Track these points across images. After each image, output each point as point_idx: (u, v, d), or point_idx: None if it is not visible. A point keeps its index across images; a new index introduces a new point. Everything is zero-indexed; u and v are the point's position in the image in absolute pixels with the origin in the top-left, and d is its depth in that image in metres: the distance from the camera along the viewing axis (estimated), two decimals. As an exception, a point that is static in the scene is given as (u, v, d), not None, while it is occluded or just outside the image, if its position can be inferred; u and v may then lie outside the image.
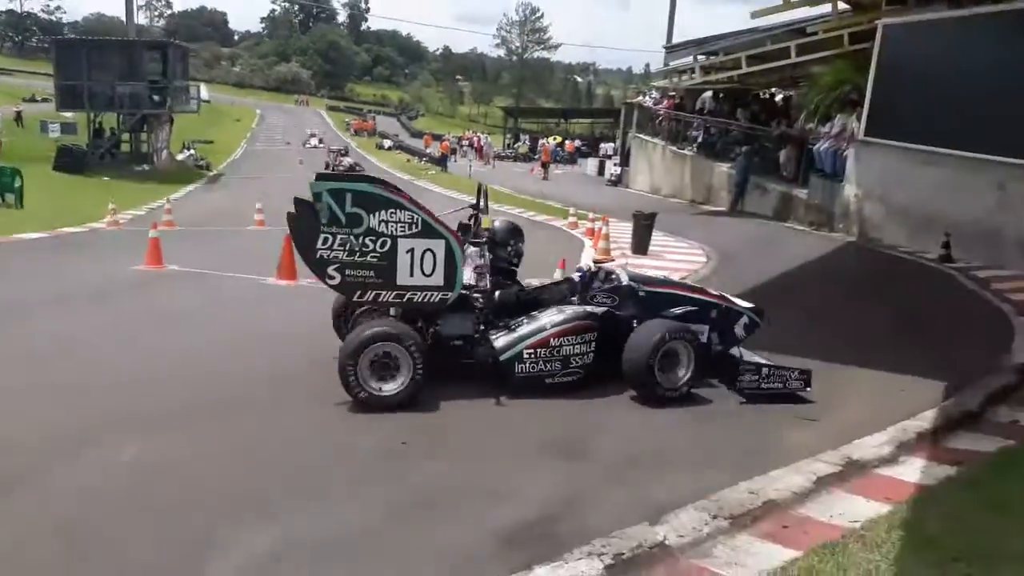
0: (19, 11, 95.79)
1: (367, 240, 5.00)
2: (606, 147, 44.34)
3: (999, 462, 4.44)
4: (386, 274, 5.10)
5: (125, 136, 32.98)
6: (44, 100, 44.71)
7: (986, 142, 11.24)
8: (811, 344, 7.06)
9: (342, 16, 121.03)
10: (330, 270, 5.03)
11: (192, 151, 37.49)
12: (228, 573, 3.17)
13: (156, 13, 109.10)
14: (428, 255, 5.14)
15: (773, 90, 26.88)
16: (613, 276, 6.15)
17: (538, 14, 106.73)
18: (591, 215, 15.61)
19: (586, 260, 11.65)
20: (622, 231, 13.74)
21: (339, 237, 4.97)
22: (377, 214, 5.02)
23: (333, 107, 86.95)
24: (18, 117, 39.85)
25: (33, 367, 5.86)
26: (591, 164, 40.15)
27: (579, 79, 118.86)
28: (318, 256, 5.02)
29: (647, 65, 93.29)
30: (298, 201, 5.02)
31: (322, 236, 4.98)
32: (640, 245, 12.52)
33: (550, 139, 50.77)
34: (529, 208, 21.57)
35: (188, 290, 9.27)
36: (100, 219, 16.06)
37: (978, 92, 11.52)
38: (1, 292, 8.72)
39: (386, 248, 5.05)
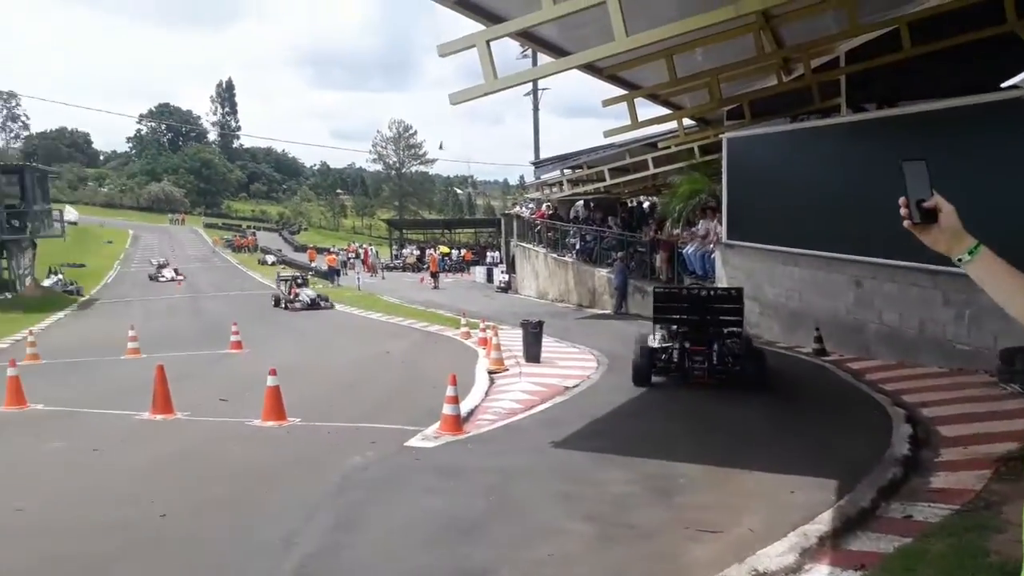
0: None
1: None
2: (492, 255, 45.37)
3: (900, 563, 4.48)
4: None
5: (-18, 263, 30.96)
6: None
7: (839, 241, 12.08)
8: (697, 446, 7.26)
9: (213, 135, 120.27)
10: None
11: (60, 276, 35.58)
12: None
13: (12, 135, 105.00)
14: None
15: (641, 198, 28.62)
16: None
17: (411, 131, 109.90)
18: (482, 324, 15.71)
19: (481, 373, 11.67)
20: (514, 338, 13.90)
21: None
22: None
23: (210, 224, 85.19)
24: None
25: None
26: (479, 272, 40.83)
27: (459, 191, 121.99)
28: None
29: (521, 177, 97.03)
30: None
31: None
32: (531, 353, 12.65)
33: (437, 249, 51.40)
34: (421, 318, 21.54)
35: (52, 432, 8.55)
36: (-49, 357, 14.76)
37: (823, 195, 12.41)
38: None
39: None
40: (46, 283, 33.54)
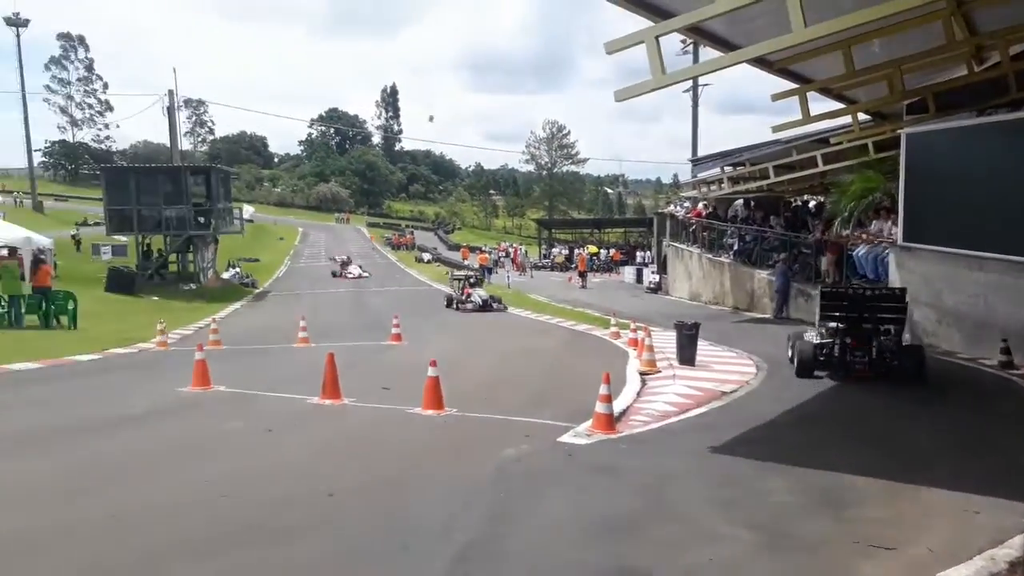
0: (71, 140, 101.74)
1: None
2: (642, 255, 44.80)
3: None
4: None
5: (172, 257, 34.15)
6: (96, 224, 46.70)
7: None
8: (866, 457, 6.81)
9: (377, 138, 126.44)
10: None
11: (237, 269, 38.59)
12: None
13: (199, 139, 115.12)
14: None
15: (805, 197, 27.21)
16: None
17: (564, 131, 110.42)
18: (633, 324, 15.50)
19: (632, 374, 11.51)
20: (666, 340, 13.61)
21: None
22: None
23: (372, 223, 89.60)
24: (77, 242, 41.66)
25: (76, 497, 5.79)
26: (629, 272, 40.42)
27: (609, 190, 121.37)
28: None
29: (675, 175, 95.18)
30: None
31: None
32: (686, 356, 12.33)
33: (586, 249, 51.40)
34: (569, 317, 21.56)
35: (231, 412, 9.25)
36: (149, 340, 16.37)
37: (1015, 195, 11.42)
38: (47, 418, 8.79)
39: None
40: (225, 275, 36.50)
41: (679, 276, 28.73)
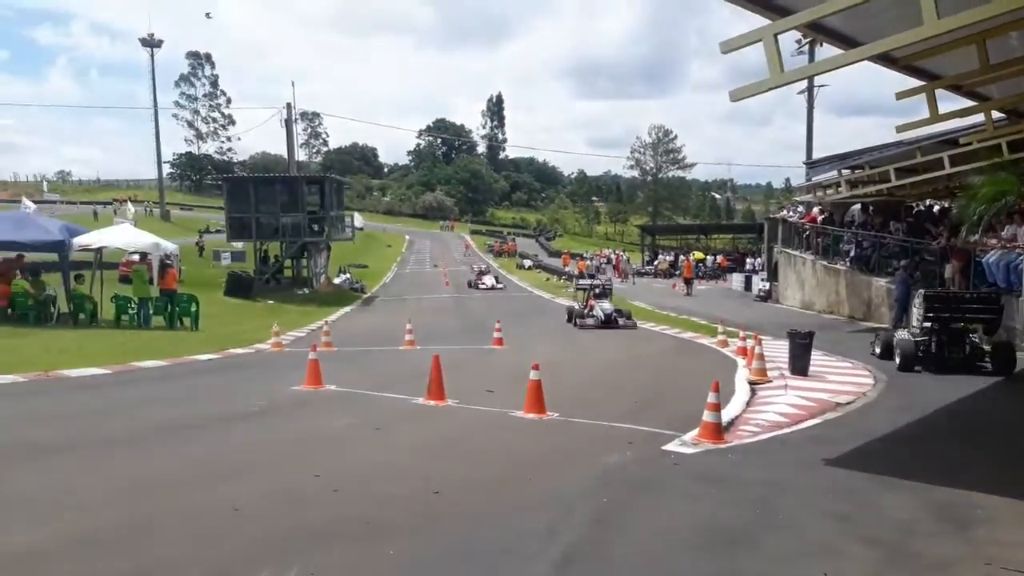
0: (197, 153, 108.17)
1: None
2: (752, 262, 43.52)
3: None
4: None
5: (287, 263, 35.71)
6: (217, 231, 49.41)
7: None
8: (996, 475, 6.37)
9: (481, 147, 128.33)
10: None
11: (348, 275, 39.98)
12: None
13: (314, 150, 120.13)
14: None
15: (928, 201, 25.69)
16: None
17: (671, 135, 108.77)
18: (742, 333, 15.05)
19: (741, 383, 11.17)
20: (777, 350, 13.13)
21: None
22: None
23: (476, 231, 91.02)
24: (200, 248, 44.28)
25: (189, 490, 6.08)
26: (736, 279, 39.34)
27: (717, 195, 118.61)
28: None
29: (787, 179, 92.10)
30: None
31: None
32: (798, 366, 11.86)
33: (692, 255, 50.40)
34: (674, 324, 21.17)
35: (342, 410, 9.54)
36: (265, 341, 17.15)
37: None
38: (172, 413, 9.29)
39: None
40: (337, 281, 37.86)
41: (791, 284, 27.71)
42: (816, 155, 34.33)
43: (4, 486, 6.01)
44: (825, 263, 24.12)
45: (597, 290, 22.39)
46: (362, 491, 6.01)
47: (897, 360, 12.51)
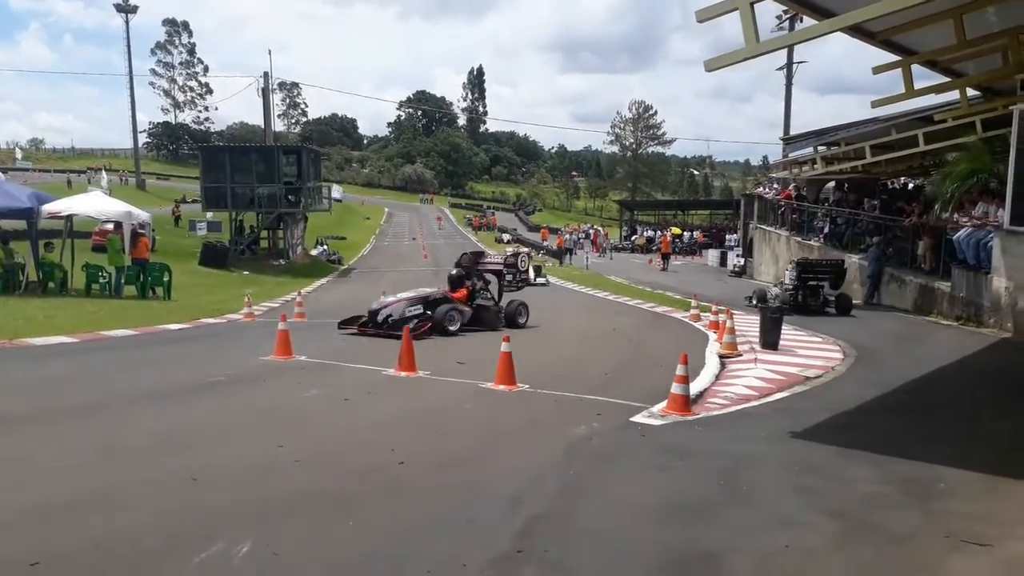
0: (173, 122, 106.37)
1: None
2: (730, 238, 43.79)
3: None
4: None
5: (263, 233, 35.32)
6: (193, 201, 48.75)
7: None
8: (960, 449, 6.42)
9: (462, 120, 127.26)
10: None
11: (325, 247, 39.67)
12: None
13: (293, 120, 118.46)
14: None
15: (903, 179, 25.86)
16: None
17: (651, 111, 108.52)
18: (714, 307, 15.10)
19: (711, 356, 11.22)
20: (749, 324, 13.19)
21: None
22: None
23: (455, 204, 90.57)
24: (176, 217, 43.65)
25: (148, 459, 5.99)
26: (712, 255, 39.56)
27: (695, 172, 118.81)
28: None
29: (765, 157, 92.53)
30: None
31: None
32: (769, 340, 11.92)
33: (669, 231, 50.53)
34: (648, 299, 21.22)
35: (311, 381, 9.43)
36: (238, 311, 16.95)
37: None
38: (133, 382, 9.15)
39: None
40: (313, 252, 37.57)
41: (765, 259, 27.89)
42: (794, 133, 34.43)
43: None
44: (799, 239, 24.27)
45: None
46: (326, 462, 5.95)
47: (758, 304, 17.08)
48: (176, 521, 4.55)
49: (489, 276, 15.89)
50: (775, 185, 31.50)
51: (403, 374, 9.56)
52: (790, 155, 30.10)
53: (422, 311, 13.76)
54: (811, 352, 11.78)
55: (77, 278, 19.17)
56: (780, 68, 39.64)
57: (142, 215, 20.99)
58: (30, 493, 5.00)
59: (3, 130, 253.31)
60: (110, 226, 24.13)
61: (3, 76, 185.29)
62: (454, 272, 15.38)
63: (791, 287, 17.59)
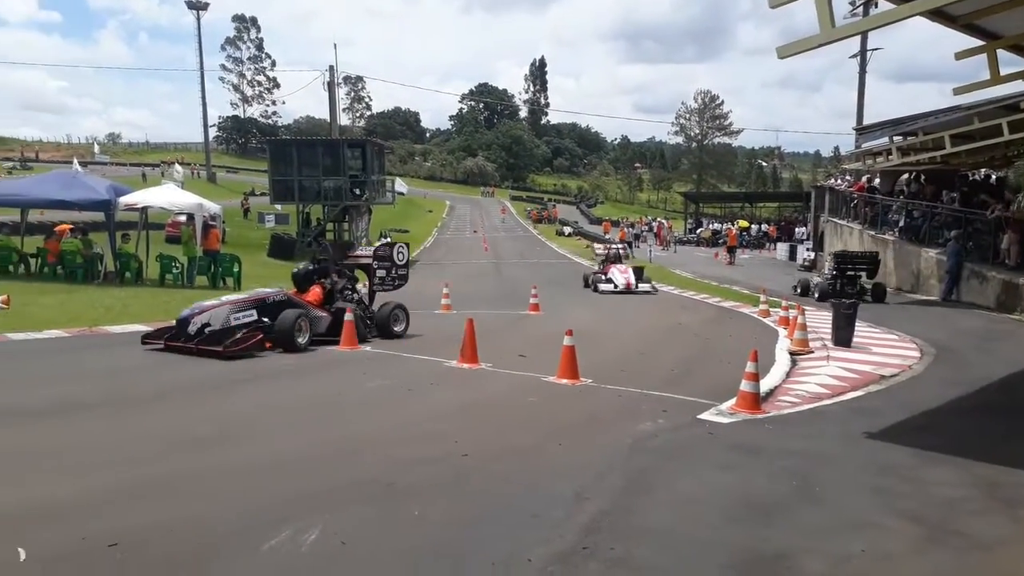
0: (242, 116, 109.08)
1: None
2: (800, 231, 42.70)
3: None
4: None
5: (329, 226, 35.91)
6: (262, 194, 49.93)
7: None
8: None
9: (524, 112, 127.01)
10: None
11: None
12: None
13: (357, 114, 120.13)
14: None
15: (984, 171, 24.73)
16: None
17: (718, 101, 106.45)
18: (784, 303, 14.71)
19: (781, 353, 10.93)
20: (821, 320, 12.80)
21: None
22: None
23: (516, 197, 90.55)
24: (245, 210, 44.81)
25: (216, 447, 6.12)
26: (781, 249, 38.61)
27: (763, 163, 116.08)
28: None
29: (836, 147, 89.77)
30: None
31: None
32: (842, 337, 11.54)
33: (736, 224, 49.52)
34: (715, 293, 20.83)
35: (376, 371, 9.54)
36: (304, 302, 17.24)
37: None
38: (202, 371, 9.38)
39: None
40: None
41: (837, 254, 27.05)
42: (868, 122, 33.25)
43: (29, 441, 6.10)
44: (873, 233, 23.46)
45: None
46: (389, 452, 5.99)
47: (816, 295, 19.02)
48: (244, 508, 4.64)
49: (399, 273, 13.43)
50: (847, 177, 30.50)
51: (465, 366, 9.59)
52: (863, 145, 29.03)
53: (255, 318, 10.87)
54: (887, 350, 11.36)
55: (151, 268, 19.84)
56: (853, 56, 38.31)
57: (213, 207, 21.57)
58: (104, 477, 5.17)
59: (83, 125, 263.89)
60: (183, 218, 24.92)
61: (84, 73, 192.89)
62: (300, 268, 12.61)
63: (830, 277, 19.06)
